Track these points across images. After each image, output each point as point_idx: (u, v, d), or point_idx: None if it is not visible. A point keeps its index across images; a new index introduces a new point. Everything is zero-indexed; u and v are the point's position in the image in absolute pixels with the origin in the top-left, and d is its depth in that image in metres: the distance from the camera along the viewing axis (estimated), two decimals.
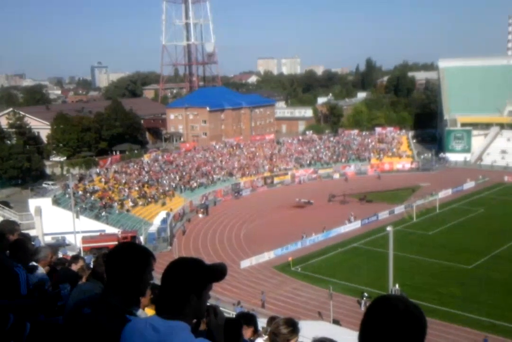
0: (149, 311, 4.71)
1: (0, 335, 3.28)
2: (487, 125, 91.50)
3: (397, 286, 34.95)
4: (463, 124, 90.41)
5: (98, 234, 48.33)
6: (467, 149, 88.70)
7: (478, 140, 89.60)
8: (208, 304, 2.78)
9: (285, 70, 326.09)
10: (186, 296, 2.55)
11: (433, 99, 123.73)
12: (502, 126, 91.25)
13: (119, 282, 2.91)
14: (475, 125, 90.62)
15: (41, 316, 4.45)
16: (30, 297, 4.82)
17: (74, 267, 7.52)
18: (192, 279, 2.55)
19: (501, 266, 41.40)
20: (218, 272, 2.68)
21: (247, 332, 5.20)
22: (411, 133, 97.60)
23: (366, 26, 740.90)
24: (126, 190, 62.06)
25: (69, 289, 5.49)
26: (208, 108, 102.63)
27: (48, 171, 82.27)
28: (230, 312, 28.70)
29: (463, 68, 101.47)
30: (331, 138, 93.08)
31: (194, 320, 2.70)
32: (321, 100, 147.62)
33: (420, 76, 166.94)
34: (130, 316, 2.86)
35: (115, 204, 57.51)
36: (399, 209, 59.33)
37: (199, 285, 2.58)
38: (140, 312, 3.50)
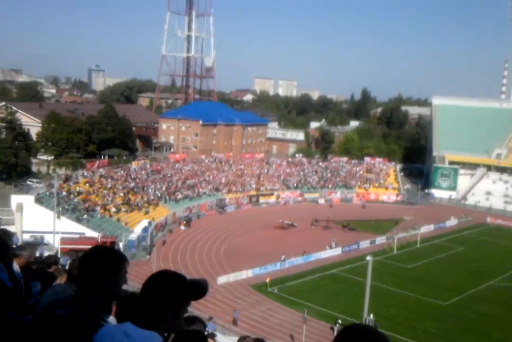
0: None
1: None
2: (474, 166, 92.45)
3: (371, 316, 34.78)
4: (451, 162, 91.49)
5: (77, 236, 47.87)
6: (452, 187, 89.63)
7: (464, 180, 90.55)
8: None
9: (281, 92, 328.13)
10: (163, 311, 2.54)
11: (423, 134, 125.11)
12: (489, 168, 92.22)
13: (92, 285, 2.87)
14: (463, 165, 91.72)
15: (10, 314, 4.33)
16: (17, 288, 4.65)
17: (53, 268, 7.29)
18: (171, 296, 2.54)
19: (475, 306, 41.54)
20: (198, 290, 2.66)
21: None
22: (399, 166, 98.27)
23: (365, 57, 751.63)
24: (111, 194, 61.66)
25: (40, 287, 5.35)
26: (201, 122, 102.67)
27: (34, 168, 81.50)
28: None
29: (456, 107, 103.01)
30: (320, 163, 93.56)
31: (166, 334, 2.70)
32: (314, 124, 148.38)
33: (413, 111, 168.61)
34: (102, 322, 2.83)
35: (98, 208, 57.08)
36: (380, 240, 59.52)
37: (177, 302, 2.57)
38: (111, 319, 3.48)
